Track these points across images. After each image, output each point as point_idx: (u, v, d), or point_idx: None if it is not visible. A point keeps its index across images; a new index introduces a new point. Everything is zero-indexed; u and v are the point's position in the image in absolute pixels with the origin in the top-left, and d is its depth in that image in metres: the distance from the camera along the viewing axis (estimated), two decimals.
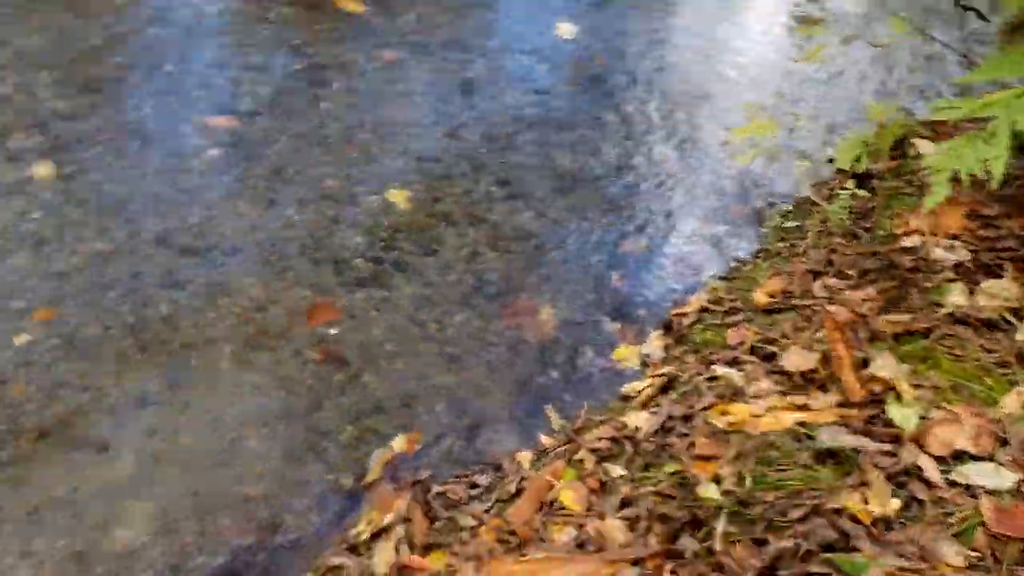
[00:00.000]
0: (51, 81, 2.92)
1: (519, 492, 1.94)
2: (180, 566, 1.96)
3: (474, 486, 2.05)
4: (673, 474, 1.83)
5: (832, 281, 2.42)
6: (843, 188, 2.82)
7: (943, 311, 2.11)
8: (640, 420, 2.05)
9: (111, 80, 2.97)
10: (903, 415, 1.77)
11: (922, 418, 1.76)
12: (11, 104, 2.81)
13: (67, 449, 2.11)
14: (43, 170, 2.65)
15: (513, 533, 1.79)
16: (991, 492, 1.58)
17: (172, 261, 2.51)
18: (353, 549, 1.90)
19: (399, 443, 2.20)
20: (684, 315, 2.50)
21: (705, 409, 2.02)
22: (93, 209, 2.60)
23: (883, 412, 1.80)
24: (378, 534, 1.91)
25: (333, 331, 2.44)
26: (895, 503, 1.59)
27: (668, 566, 1.57)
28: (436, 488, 2.05)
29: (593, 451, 1.99)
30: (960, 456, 1.67)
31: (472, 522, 1.89)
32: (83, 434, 2.14)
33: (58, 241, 2.50)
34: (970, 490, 1.60)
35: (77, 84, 2.93)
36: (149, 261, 2.50)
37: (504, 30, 3.57)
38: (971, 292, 2.16)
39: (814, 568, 1.48)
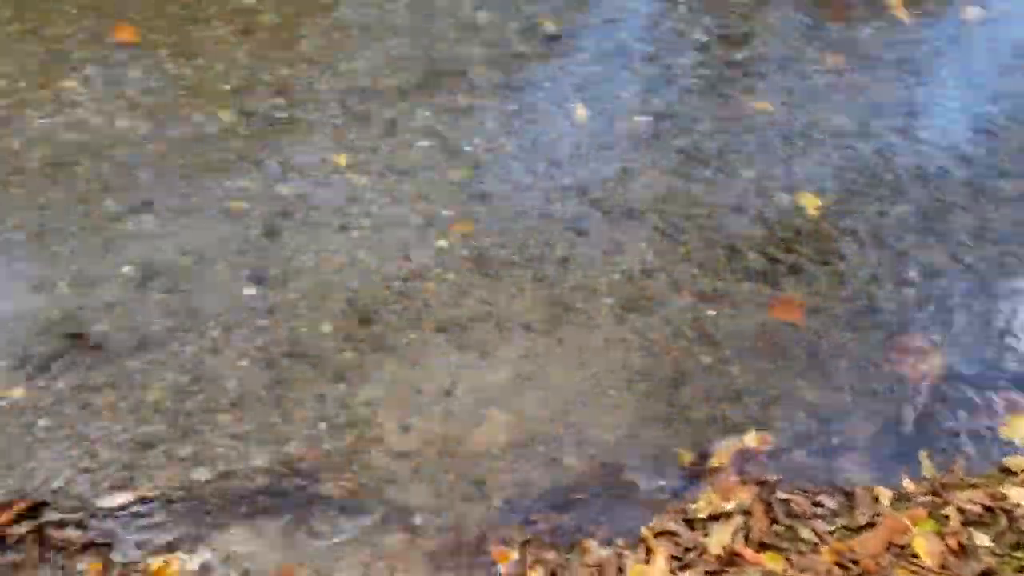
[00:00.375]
0: (517, 29, 3.20)
1: (870, 525, 1.86)
2: (523, 481, 2.12)
3: (819, 505, 1.99)
4: None
5: None
6: None
7: None
8: (1023, 497, 1.88)
9: (566, 38, 3.19)
10: None
11: None
12: (479, 38, 3.13)
13: (456, 348, 2.35)
14: (494, 102, 2.92)
15: (856, 562, 1.73)
16: None
17: (580, 209, 2.67)
18: (689, 523, 1.94)
19: (751, 438, 2.19)
20: None
21: None
22: (526, 147, 2.82)
23: None
24: (716, 517, 1.94)
25: (711, 313, 2.47)
26: None
27: None
28: (781, 494, 2.02)
29: (961, 511, 1.85)
30: None
31: (813, 538, 1.85)
32: (472, 339, 2.37)
33: (491, 165, 2.76)
34: None
35: (539, 35, 3.19)
36: (560, 204, 2.68)
37: (969, 64, 3.32)
38: None
39: None
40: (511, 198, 2.68)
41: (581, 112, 2.95)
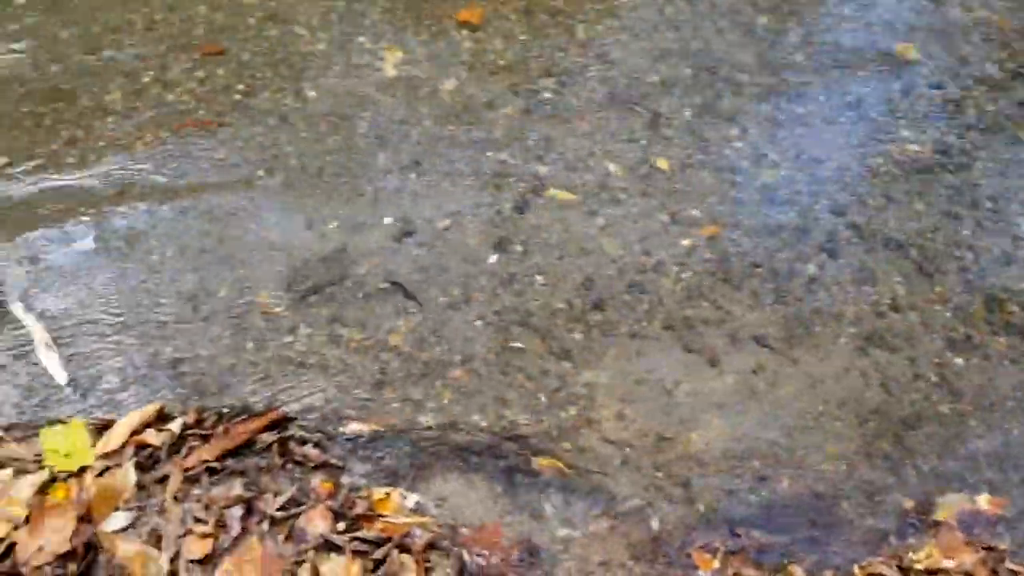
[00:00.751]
0: (795, 39, 3.12)
1: None
2: (732, 493, 2.10)
3: None
4: None
5: None
6: None
7: None
8: None
9: (847, 54, 3.08)
10: None
11: None
12: (755, 43, 3.08)
13: (683, 348, 2.35)
14: (762, 110, 2.87)
15: None
16: None
17: (836, 231, 2.58)
18: (904, 571, 1.86)
19: (983, 500, 2.06)
20: None
21: None
22: (788, 159, 2.75)
23: None
24: (933, 572, 1.85)
25: (958, 360, 2.33)
26: None
27: None
28: (1011, 565, 1.89)
29: None
30: None
31: None
32: (701, 343, 2.36)
33: (749, 173, 2.72)
34: None
35: (816, 47, 3.09)
36: (816, 222, 2.60)
37: None
38: None
39: None
40: (765, 209, 2.63)
41: (851, 131, 2.84)
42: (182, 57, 3.01)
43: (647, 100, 2.90)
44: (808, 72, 3.01)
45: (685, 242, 2.56)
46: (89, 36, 3.06)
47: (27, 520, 1.90)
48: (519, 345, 2.36)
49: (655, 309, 2.43)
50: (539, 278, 2.50)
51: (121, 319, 2.37)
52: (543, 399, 2.27)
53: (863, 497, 2.10)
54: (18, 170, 2.67)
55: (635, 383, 2.30)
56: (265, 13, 3.15)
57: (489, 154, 2.77)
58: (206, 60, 3.00)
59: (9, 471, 1.97)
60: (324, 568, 1.83)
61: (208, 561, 1.85)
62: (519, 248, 2.56)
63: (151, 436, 2.05)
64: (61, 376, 2.23)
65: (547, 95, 2.92)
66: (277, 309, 2.41)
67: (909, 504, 2.09)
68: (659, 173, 2.71)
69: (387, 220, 2.61)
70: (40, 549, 1.85)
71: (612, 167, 2.73)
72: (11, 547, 1.86)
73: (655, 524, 2.05)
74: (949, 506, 2.05)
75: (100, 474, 1.97)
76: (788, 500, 2.10)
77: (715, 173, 2.72)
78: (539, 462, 2.14)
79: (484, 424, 2.21)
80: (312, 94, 2.92)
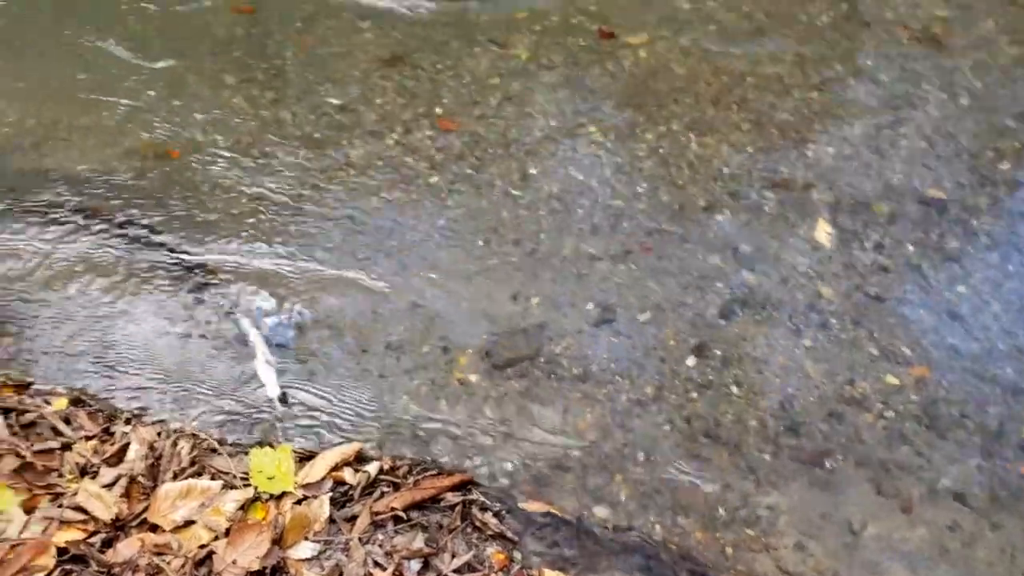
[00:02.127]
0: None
1: None
2: None
3: None
4: None
5: None
6: None
7: None
8: None
9: None
10: None
11: None
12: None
13: (876, 489, 2.27)
14: (987, 256, 2.77)
15: None
16: None
17: None
18: None
19: None
20: None
21: None
22: (1013, 308, 2.63)
23: None
24: None
25: None
26: None
27: None
28: None
29: None
30: None
31: None
32: (895, 487, 2.27)
33: (968, 318, 2.61)
34: None
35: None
36: None
37: None
38: None
39: None
40: (981, 359, 2.51)
41: None
42: (424, 124, 3.22)
43: (869, 229, 2.85)
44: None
45: (892, 379, 2.48)
46: (345, 95, 3.34)
47: (227, 533, 2.03)
48: (705, 455, 2.34)
49: (852, 444, 2.36)
50: (735, 389, 2.48)
51: (333, 360, 2.53)
52: (722, 513, 2.23)
53: None
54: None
55: (820, 516, 2.23)
56: (504, 95, 3.34)
57: (700, 256, 2.80)
58: (445, 131, 3.20)
59: (219, 483, 2.13)
60: None
61: None
62: (719, 355, 2.55)
63: (348, 474, 2.16)
64: (274, 391, 2.40)
65: (767, 207, 2.92)
66: (473, 376, 2.50)
67: None
68: (873, 304, 2.65)
69: (589, 305, 2.67)
70: (234, 562, 1.97)
71: (825, 289, 2.69)
72: (210, 555, 2.00)
73: None
74: None
75: (298, 502, 2.09)
76: None
77: (932, 313, 2.62)
78: None
79: (659, 529, 2.20)
80: (536, 173, 3.05)
